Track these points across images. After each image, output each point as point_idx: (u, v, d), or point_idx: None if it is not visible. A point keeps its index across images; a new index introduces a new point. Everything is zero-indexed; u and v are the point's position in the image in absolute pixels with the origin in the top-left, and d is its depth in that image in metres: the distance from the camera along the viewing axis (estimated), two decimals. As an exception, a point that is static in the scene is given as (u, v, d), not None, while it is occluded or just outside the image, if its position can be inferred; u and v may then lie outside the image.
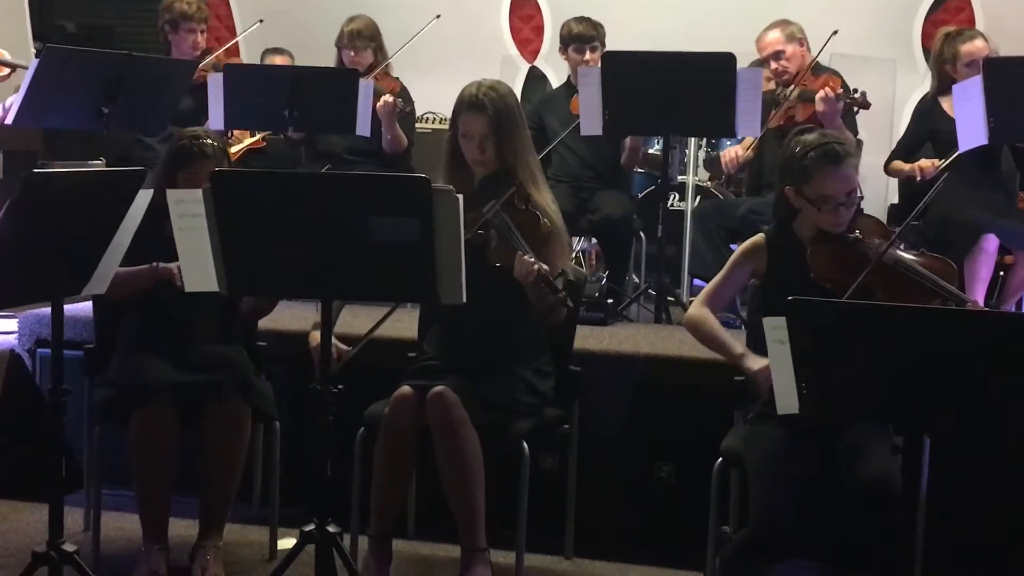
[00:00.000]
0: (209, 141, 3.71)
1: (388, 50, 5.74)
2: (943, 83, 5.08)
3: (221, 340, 3.76)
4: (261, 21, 6.32)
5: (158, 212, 3.31)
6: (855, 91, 5.10)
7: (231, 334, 3.81)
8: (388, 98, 5.38)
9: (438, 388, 3.42)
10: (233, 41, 6.55)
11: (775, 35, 5.42)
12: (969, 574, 3.79)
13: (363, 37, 5.68)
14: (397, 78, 5.73)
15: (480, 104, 3.55)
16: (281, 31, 7.12)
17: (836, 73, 5.37)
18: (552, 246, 3.51)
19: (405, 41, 5.75)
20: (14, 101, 4.85)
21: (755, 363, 3.31)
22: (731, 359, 3.42)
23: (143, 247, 3.34)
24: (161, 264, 3.60)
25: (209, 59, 5.73)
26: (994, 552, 3.78)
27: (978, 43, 5.06)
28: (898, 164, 5.26)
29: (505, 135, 3.56)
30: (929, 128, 5.16)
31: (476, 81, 3.63)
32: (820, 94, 5.02)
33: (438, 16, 5.90)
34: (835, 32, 5.31)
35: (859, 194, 3.36)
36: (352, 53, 5.68)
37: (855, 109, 5.16)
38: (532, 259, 3.33)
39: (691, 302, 5.69)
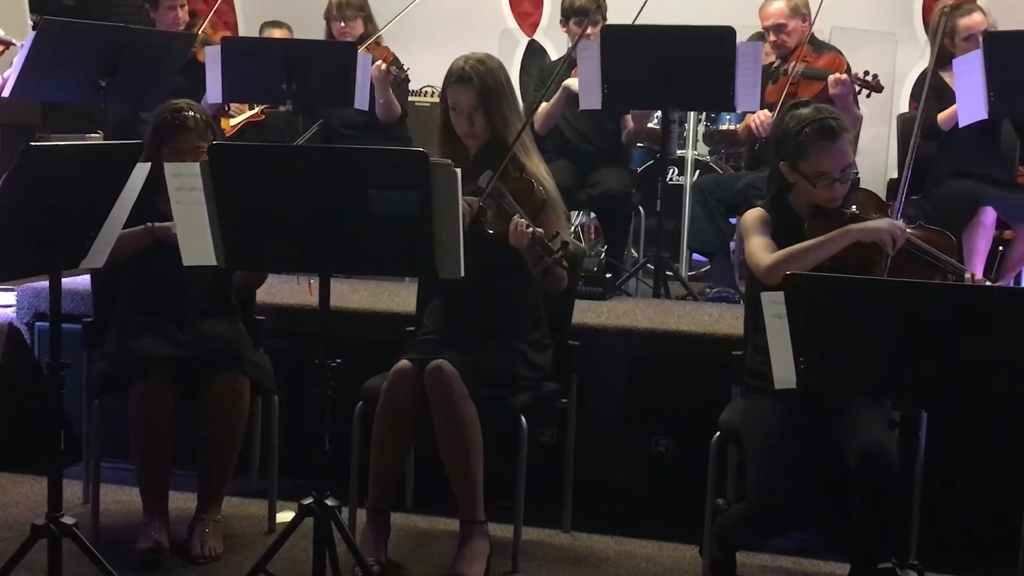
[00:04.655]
0: (191, 113, 3.69)
1: (377, 22, 5.73)
2: (942, 57, 5.01)
3: (217, 314, 3.76)
4: None
5: (148, 185, 3.29)
6: (867, 73, 5.07)
7: (228, 308, 3.81)
8: (381, 64, 5.39)
9: (437, 362, 3.42)
10: (212, 12, 6.41)
11: (779, 7, 5.40)
12: (964, 549, 3.81)
13: (352, 7, 5.68)
14: (387, 47, 5.71)
15: (467, 77, 3.55)
16: (281, 4, 7.09)
17: (838, 52, 5.36)
18: (548, 213, 3.52)
19: (396, 14, 5.73)
20: (10, 73, 4.83)
21: (875, 222, 3.24)
22: (849, 238, 3.23)
23: (134, 221, 3.33)
24: (157, 224, 3.58)
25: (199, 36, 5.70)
26: (989, 527, 3.79)
27: (976, 17, 5.02)
28: (943, 113, 5.05)
29: (493, 107, 3.56)
30: (940, 98, 5.05)
31: (465, 55, 3.62)
32: (833, 78, 5.00)
33: None
34: None
35: (854, 169, 3.35)
36: (342, 24, 5.67)
37: (867, 93, 5.13)
38: (526, 222, 3.33)
39: (689, 276, 5.78)
